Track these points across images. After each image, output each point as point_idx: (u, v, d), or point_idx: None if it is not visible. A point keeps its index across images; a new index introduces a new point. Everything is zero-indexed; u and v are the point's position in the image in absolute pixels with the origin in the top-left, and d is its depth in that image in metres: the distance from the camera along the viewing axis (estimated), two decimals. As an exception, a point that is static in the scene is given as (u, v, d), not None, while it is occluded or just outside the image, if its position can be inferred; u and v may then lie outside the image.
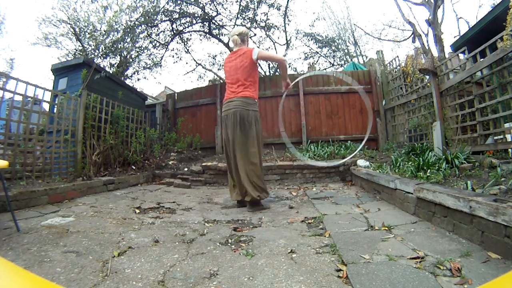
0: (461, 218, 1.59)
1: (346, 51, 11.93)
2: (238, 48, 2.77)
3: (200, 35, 8.02)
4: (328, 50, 11.07)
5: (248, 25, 6.99)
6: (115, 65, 6.75)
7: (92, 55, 6.28)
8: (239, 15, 6.70)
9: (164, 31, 7.41)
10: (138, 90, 6.89)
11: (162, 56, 8.02)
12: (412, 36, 7.04)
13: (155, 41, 7.42)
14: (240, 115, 2.59)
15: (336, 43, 11.32)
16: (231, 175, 2.80)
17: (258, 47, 2.83)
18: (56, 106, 3.74)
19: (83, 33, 6.65)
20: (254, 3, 6.78)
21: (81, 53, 6.49)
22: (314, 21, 15.10)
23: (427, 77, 4.20)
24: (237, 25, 6.83)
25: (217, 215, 2.46)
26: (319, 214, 2.30)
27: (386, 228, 1.83)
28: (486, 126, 3.31)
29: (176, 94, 6.94)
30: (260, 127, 2.73)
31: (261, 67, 9.46)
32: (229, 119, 2.64)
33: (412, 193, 2.13)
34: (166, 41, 7.57)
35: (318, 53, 10.99)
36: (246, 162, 2.61)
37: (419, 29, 7.09)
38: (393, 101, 5.46)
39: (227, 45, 6.83)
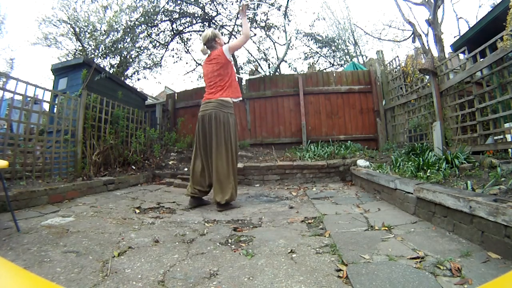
0: (461, 218, 1.59)
1: (346, 51, 11.90)
2: (211, 52, 2.83)
3: (200, 35, 8.01)
4: (328, 50, 11.05)
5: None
6: (115, 65, 6.75)
7: (92, 55, 6.28)
8: (239, 15, 6.71)
9: (164, 31, 7.41)
10: (138, 90, 6.89)
11: (162, 56, 8.01)
12: (412, 36, 7.04)
13: (155, 41, 7.42)
14: (216, 116, 2.68)
15: (336, 43, 11.29)
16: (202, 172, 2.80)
17: (225, 43, 2.86)
18: (56, 106, 3.74)
19: (83, 33, 6.65)
20: (254, 3, 6.77)
21: (81, 53, 6.48)
22: (314, 21, 15.09)
23: (427, 77, 4.20)
24: (237, 25, 6.82)
25: (217, 215, 2.46)
26: (319, 214, 2.30)
27: (386, 228, 1.83)
28: (486, 126, 3.31)
29: (176, 94, 6.93)
30: (233, 130, 2.75)
31: (261, 67, 9.44)
32: (205, 120, 2.72)
33: (412, 193, 2.13)
34: (166, 41, 7.56)
35: (318, 53, 10.97)
36: (219, 162, 2.65)
37: (419, 29, 7.09)
38: (393, 101, 5.45)
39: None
